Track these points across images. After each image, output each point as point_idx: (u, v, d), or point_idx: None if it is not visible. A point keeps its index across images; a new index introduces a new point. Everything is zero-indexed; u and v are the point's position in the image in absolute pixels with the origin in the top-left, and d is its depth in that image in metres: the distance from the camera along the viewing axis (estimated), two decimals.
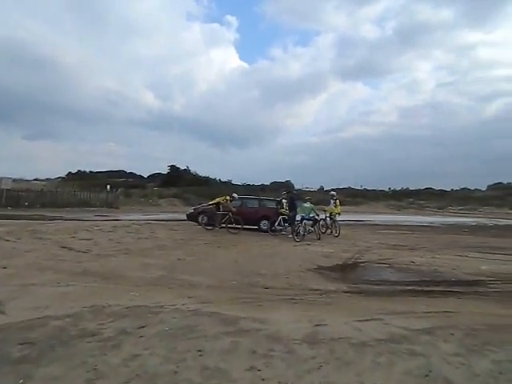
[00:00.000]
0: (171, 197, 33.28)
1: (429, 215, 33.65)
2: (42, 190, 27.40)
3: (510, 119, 77.61)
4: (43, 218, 17.85)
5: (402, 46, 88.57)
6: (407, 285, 6.47)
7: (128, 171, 58.01)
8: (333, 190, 12.72)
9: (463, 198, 47.18)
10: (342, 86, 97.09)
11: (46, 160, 72.62)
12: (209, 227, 13.09)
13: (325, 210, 14.04)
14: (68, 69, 76.15)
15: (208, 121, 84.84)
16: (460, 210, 39.76)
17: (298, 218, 12.20)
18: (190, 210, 15.26)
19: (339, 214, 13.81)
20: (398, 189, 53.40)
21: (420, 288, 6.16)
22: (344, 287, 6.08)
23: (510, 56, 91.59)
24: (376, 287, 6.26)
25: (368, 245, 11.34)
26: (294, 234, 11.83)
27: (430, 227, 19.89)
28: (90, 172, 56.96)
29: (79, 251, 8.01)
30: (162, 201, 32.28)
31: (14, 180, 37.70)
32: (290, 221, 13.22)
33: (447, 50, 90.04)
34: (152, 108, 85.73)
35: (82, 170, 56.39)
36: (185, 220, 15.21)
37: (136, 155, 74.99)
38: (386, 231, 16.06)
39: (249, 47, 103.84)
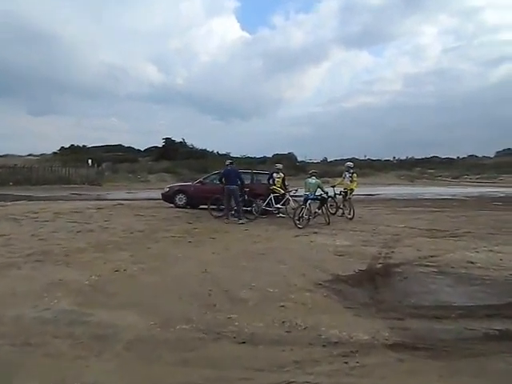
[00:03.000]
0: (162, 171, 30.40)
1: (445, 186, 30.76)
2: (14, 165, 24.58)
3: None
4: (7, 197, 15.25)
5: (406, 10, 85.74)
6: (489, 317, 3.73)
7: (126, 145, 55.41)
8: (349, 161, 9.79)
9: (474, 166, 44.33)
10: (346, 55, 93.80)
11: (48, 135, 71.72)
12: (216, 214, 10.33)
13: (333, 186, 11.15)
14: (70, 44, 75.12)
15: (210, 93, 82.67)
16: (477, 178, 36.70)
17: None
18: (166, 188, 12.46)
19: (353, 190, 10.95)
20: (402, 158, 50.86)
21: None
22: (384, 332, 3.32)
23: None
24: (438, 327, 3.51)
25: (394, 231, 8.56)
26: (296, 218, 9.01)
27: (455, 201, 17.02)
28: (84, 146, 53.91)
29: None
30: (151, 176, 29.42)
31: (5, 156, 34.94)
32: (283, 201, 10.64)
33: (453, 14, 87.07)
34: (154, 82, 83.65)
35: (76, 144, 53.58)
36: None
37: (138, 130, 73.02)
38: (408, 209, 13.20)
39: (250, 15, 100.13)
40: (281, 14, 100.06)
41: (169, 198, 11.90)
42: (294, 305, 4.00)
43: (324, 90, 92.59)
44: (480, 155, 54.38)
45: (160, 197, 12.39)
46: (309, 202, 9.18)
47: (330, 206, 10.41)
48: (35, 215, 8.79)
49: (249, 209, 10.40)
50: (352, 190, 10.82)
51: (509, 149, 53.39)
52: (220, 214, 10.11)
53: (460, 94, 78.95)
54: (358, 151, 63.65)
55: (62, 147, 50.21)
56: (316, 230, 8.70)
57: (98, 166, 26.86)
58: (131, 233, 7.42)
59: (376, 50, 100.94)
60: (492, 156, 54.33)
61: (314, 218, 9.43)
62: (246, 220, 9.57)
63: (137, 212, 10.20)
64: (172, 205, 11.69)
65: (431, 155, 53.62)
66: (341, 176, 11.40)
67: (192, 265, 5.38)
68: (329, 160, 50.23)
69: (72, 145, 53.16)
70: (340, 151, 67.88)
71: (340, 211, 10.80)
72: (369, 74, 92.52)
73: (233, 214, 9.73)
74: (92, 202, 12.81)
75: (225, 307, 3.86)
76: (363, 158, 50.75)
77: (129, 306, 3.76)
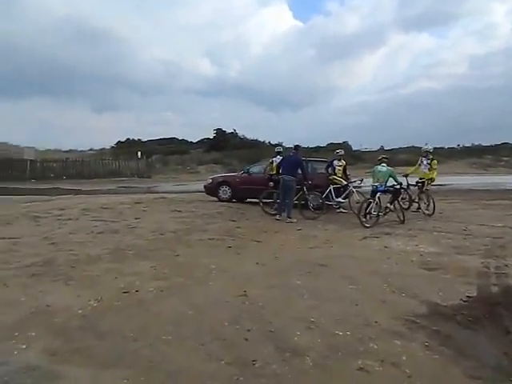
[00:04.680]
0: (212, 162, 29.53)
1: None
2: (66, 159, 24.87)
3: None
4: (55, 191, 15.07)
5: None
6: None
7: (180, 138, 56.11)
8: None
9: None
10: (404, 38, 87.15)
11: (109, 131, 75.27)
12: (270, 210, 8.82)
13: (406, 175, 9.14)
14: (126, 42, 77.70)
15: (262, 84, 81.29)
16: None
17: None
18: (208, 179, 11.16)
19: (432, 180, 8.95)
20: (467, 145, 46.02)
21: None
22: None
23: None
24: None
25: (492, 232, 6.61)
26: (362, 215, 7.30)
27: None
28: (139, 140, 55.11)
29: None
30: (201, 167, 28.66)
31: (69, 151, 36.33)
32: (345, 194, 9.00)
33: None
34: (208, 75, 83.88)
35: (131, 138, 55.02)
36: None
37: (192, 123, 73.64)
38: (495, 202, 10.83)
39: (302, 3, 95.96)
40: None
41: (212, 190, 10.63)
42: (381, 368, 2.45)
43: (380, 76, 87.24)
44: None
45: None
46: (378, 194, 7.41)
47: (402, 199, 8.48)
48: (60, 212, 7.86)
49: (302, 203, 8.69)
50: (431, 179, 8.84)
51: None
52: (273, 211, 8.63)
53: None
54: (417, 139, 58.74)
55: (119, 141, 51.75)
56: (388, 229, 6.95)
57: (148, 158, 26.51)
58: (161, 234, 6.18)
59: (438, 31, 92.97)
60: None
61: (385, 214, 7.63)
62: (299, 217, 8.00)
63: (175, 207, 9.01)
64: (215, 198, 10.41)
65: (501, 142, 48.14)
66: (416, 164, 9.38)
67: (227, 283, 3.97)
68: (385, 149, 47.33)
69: (128, 139, 54.53)
70: (398, 139, 63.29)
71: (415, 206, 8.83)
72: (429, 58, 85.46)
73: (284, 210, 8.16)
74: (134, 196, 11.92)
75: (269, 367, 2.41)
76: (423, 146, 46.85)
77: (119, 364, 2.43)
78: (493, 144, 46.96)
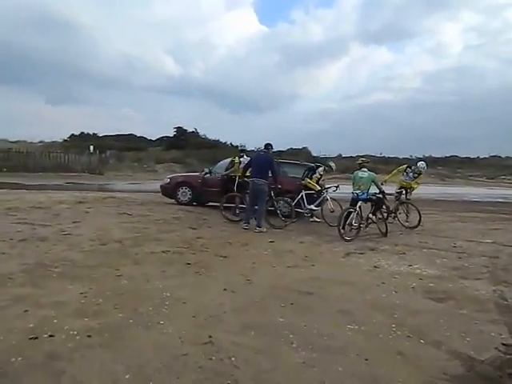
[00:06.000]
0: (171, 161, 27.91)
1: (484, 186, 27.74)
2: (9, 150, 22.39)
3: None
4: None
5: (429, 8, 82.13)
6: None
7: (139, 135, 53.54)
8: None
9: (506, 167, 40.60)
10: (365, 51, 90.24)
11: (63, 124, 70.34)
12: (232, 217, 7.89)
13: (383, 183, 8.34)
14: (88, 33, 72.01)
15: (227, 87, 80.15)
16: None
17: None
18: (166, 179, 9.85)
19: (413, 188, 8.34)
20: (419, 156, 48.09)
21: None
22: None
23: None
24: None
25: (485, 250, 6.01)
26: (341, 227, 6.41)
27: None
28: (94, 134, 51.84)
29: None
30: (159, 166, 26.92)
31: (17, 142, 33.05)
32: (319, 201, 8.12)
33: (478, 11, 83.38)
34: (172, 74, 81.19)
35: (86, 132, 51.68)
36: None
37: (153, 121, 70.86)
38: (469, 214, 10.45)
39: (269, 10, 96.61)
40: (300, 8, 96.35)
41: (169, 191, 9.32)
42: None
43: (341, 86, 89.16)
44: (503, 156, 50.82)
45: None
46: (359, 203, 6.58)
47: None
48: None
49: (272, 209, 7.68)
50: (412, 188, 8.22)
51: None
52: (237, 218, 7.60)
53: (481, 91, 74.96)
54: (373, 148, 60.81)
55: (72, 134, 48.27)
56: (371, 244, 6.12)
57: (102, 153, 24.48)
58: (103, 244, 4.92)
59: (396, 46, 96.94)
60: None
61: (367, 226, 6.82)
62: (267, 227, 7.01)
63: (125, 209, 7.66)
64: (173, 200, 9.16)
65: (450, 154, 50.62)
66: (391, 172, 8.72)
67: (185, 321, 2.87)
68: (343, 156, 48.14)
69: (82, 132, 51.11)
70: (355, 148, 64.79)
71: (393, 217, 8.08)
72: (387, 71, 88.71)
73: (252, 218, 7.12)
74: (79, 194, 10.35)
75: None
76: (379, 156, 48.28)
77: None
78: (443, 156, 49.27)
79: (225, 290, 3.60)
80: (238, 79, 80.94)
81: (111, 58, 76.39)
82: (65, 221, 6.07)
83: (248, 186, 7.22)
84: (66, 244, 4.77)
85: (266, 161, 7.06)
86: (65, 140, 44.55)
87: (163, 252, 4.80)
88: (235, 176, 8.14)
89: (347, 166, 26.79)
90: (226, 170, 8.56)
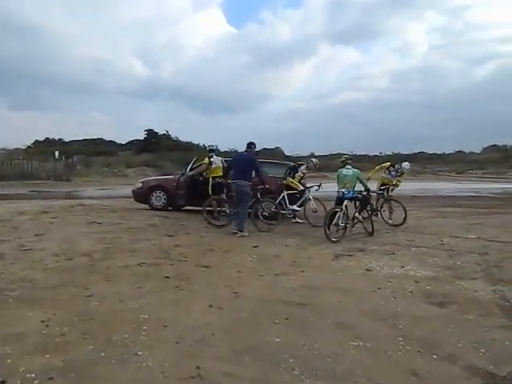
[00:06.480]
0: (142, 165, 27.06)
1: (454, 181, 28.45)
2: None
3: (502, 81, 72.31)
4: None
5: (394, 7, 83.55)
6: None
7: (108, 139, 51.79)
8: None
9: (470, 162, 42.20)
10: (333, 51, 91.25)
11: (28, 130, 67.42)
12: (215, 221, 7.42)
13: (368, 179, 8.14)
14: (53, 37, 68.86)
15: (197, 88, 79.11)
16: (484, 173, 34.39)
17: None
18: (138, 183, 9.23)
19: (397, 185, 8.24)
20: (389, 153, 49.34)
21: None
22: None
23: (504, 16, 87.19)
24: None
25: (472, 246, 5.93)
26: (326, 227, 6.12)
27: (491, 198, 14.56)
28: (60, 140, 49.67)
29: None
30: (130, 170, 26.02)
31: None
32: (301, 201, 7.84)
33: (441, 12, 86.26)
34: (140, 76, 79.19)
35: (51, 137, 49.42)
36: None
37: (122, 125, 68.74)
38: (448, 209, 10.48)
39: (237, 10, 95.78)
40: (268, 9, 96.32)
41: (142, 196, 8.74)
42: None
43: (311, 85, 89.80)
44: (467, 151, 53.04)
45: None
46: (345, 202, 6.31)
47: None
48: None
49: (249, 211, 7.27)
50: (396, 185, 8.10)
51: (495, 145, 52.43)
52: (220, 223, 7.19)
53: (446, 91, 77.28)
54: (344, 146, 62.13)
55: (36, 140, 45.92)
56: (359, 245, 5.87)
57: (68, 158, 23.37)
58: (69, 259, 4.40)
59: (363, 46, 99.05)
60: (479, 152, 53.02)
61: (353, 226, 6.57)
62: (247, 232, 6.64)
63: (94, 217, 7.06)
64: (147, 206, 8.62)
65: (418, 151, 52.32)
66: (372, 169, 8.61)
67: (168, 349, 2.46)
68: (316, 154, 48.61)
69: (47, 138, 48.81)
70: (327, 147, 65.57)
71: (376, 214, 7.90)
72: (355, 71, 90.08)
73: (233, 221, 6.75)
74: (43, 203, 9.62)
75: None
76: (350, 153, 49.06)
77: None
78: (412, 152, 50.68)
79: (210, 306, 3.21)
80: (208, 80, 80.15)
81: (78, 63, 73.96)
82: (25, 234, 5.46)
83: (224, 187, 7.15)
84: (26, 261, 4.22)
85: (248, 161, 6.71)
86: (28, 146, 42.56)
87: (138, 265, 4.34)
88: (209, 177, 7.84)
89: (321, 164, 26.91)
90: (191, 170, 8.28)
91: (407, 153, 49.93)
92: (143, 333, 2.67)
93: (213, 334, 2.70)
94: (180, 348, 2.49)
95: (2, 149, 40.53)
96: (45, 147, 32.24)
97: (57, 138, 44.99)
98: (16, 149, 40.29)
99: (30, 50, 67.89)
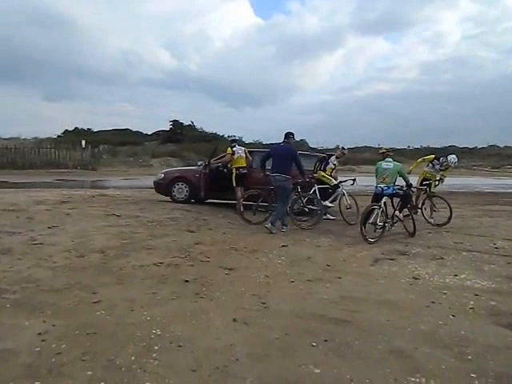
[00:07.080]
0: (167, 155, 26.92)
1: (492, 176, 26.91)
2: None
3: None
4: None
5: None
6: None
7: (135, 130, 52.58)
8: (344, 148, 6.77)
9: (508, 157, 39.67)
10: (361, 41, 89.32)
11: (61, 120, 70.43)
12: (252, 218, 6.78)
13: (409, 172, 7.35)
14: (84, 29, 70.89)
15: (223, 79, 79.40)
16: None
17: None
18: (160, 174, 8.81)
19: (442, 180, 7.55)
20: (417, 147, 47.29)
21: None
22: None
23: None
24: None
25: None
26: (363, 226, 5.51)
27: None
28: (89, 130, 50.53)
29: None
30: (154, 160, 25.97)
31: (9, 139, 32.02)
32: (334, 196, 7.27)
33: (475, 0, 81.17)
34: (168, 67, 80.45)
35: (80, 127, 50.42)
36: None
37: (149, 115, 70.11)
38: (494, 207, 9.61)
39: (264, 1, 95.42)
40: None
41: (164, 188, 8.33)
42: None
43: (338, 77, 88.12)
44: (501, 145, 49.96)
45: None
46: (384, 199, 5.68)
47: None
48: None
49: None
50: (441, 180, 7.42)
51: None
52: (256, 220, 6.62)
53: (478, 82, 73.98)
54: (370, 139, 60.53)
55: (66, 130, 46.88)
56: (399, 246, 5.24)
57: (95, 148, 23.45)
58: (80, 256, 4.01)
59: (393, 36, 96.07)
60: None
61: (392, 226, 5.92)
62: (285, 228, 6.12)
63: (114, 209, 6.72)
64: (169, 198, 8.23)
65: (448, 144, 49.93)
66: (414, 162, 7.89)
67: (184, 381, 1.98)
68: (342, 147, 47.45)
69: (76, 128, 49.71)
70: (353, 139, 63.94)
71: (417, 211, 7.21)
72: (384, 62, 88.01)
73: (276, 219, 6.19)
74: (65, 192, 9.42)
75: None
76: (377, 147, 47.76)
77: None
78: (441, 146, 48.57)
79: (234, 320, 2.72)
80: (234, 72, 80.00)
81: (108, 54, 75.82)
82: (39, 226, 5.14)
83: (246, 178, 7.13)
84: (34, 257, 3.85)
85: (287, 153, 6.17)
86: (58, 136, 43.45)
87: (155, 264, 3.91)
88: (232, 168, 7.57)
89: (348, 157, 26.04)
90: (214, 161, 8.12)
91: (437, 146, 47.96)
92: (154, 355, 2.21)
93: (237, 360, 2.20)
94: (197, 379, 2.01)
95: (34, 138, 41.61)
96: (73, 136, 32.66)
97: (86, 127, 45.75)
98: (46, 138, 41.26)
99: (61, 42, 70.15)
